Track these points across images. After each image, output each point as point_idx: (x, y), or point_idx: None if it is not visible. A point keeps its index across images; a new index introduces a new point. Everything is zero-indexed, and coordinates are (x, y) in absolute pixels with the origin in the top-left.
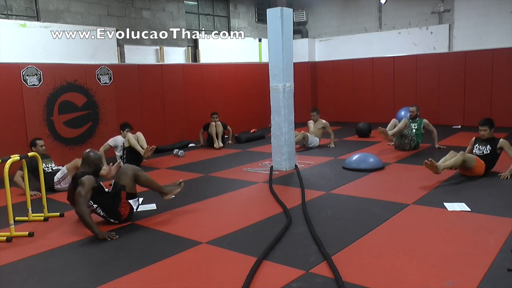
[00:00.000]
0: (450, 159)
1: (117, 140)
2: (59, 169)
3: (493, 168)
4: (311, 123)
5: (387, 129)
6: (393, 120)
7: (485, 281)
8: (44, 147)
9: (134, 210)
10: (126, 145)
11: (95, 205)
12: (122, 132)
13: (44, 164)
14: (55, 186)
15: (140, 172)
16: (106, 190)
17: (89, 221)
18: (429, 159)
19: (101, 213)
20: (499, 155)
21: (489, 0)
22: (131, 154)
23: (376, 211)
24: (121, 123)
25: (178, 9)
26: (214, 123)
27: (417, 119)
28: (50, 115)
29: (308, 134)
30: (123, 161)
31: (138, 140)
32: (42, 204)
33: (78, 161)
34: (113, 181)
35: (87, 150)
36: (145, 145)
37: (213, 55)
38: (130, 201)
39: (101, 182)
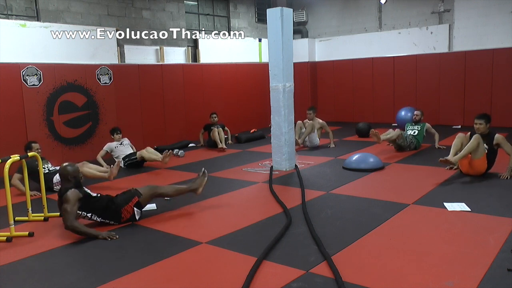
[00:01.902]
0: (459, 145)
1: (111, 145)
2: (56, 169)
3: (493, 168)
4: (307, 122)
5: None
6: (389, 131)
7: (485, 281)
8: (40, 150)
9: (135, 219)
10: (139, 159)
11: (89, 214)
12: (112, 136)
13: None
14: (54, 188)
15: (164, 190)
16: (94, 194)
17: (83, 230)
18: (445, 158)
19: (98, 219)
20: (497, 151)
21: (489, 0)
22: (133, 162)
23: (376, 211)
24: (110, 129)
25: (178, 9)
26: (215, 128)
27: (420, 123)
28: (50, 115)
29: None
30: (125, 164)
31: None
32: (42, 204)
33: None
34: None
35: (64, 165)
36: (157, 156)
37: (213, 55)
38: (135, 209)
39: (86, 190)
